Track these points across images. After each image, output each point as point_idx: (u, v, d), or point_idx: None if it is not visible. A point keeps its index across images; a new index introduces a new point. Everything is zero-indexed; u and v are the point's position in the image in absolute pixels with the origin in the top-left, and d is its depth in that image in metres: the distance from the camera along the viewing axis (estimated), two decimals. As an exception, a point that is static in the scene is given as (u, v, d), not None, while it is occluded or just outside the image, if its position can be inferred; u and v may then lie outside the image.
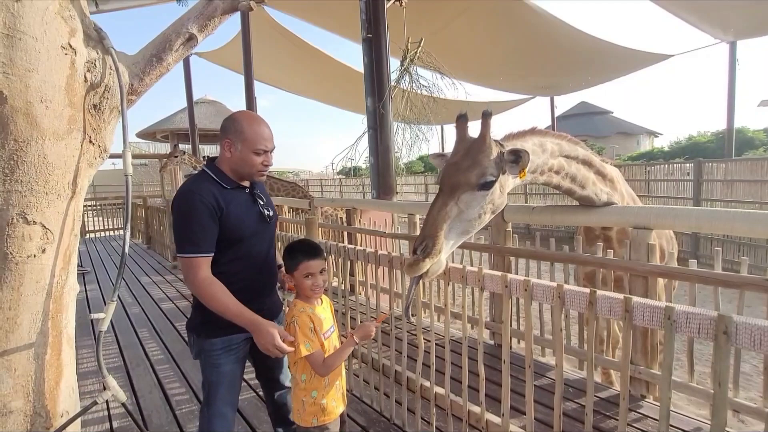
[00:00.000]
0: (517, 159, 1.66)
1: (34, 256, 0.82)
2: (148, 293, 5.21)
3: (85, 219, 11.23)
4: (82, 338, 3.77)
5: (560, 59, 9.70)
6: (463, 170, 1.62)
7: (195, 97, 12.55)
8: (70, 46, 0.87)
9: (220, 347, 1.50)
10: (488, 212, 1.68)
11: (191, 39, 1.03)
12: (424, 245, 1.49)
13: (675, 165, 9.90)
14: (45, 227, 0.83)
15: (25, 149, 0.80)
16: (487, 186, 1.62)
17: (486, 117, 1.64)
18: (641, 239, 2.19)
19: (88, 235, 10.91)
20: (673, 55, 9.55)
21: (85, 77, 0.91)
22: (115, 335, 3.81)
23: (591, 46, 8.94)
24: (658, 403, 2.26)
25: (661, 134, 31.69)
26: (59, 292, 0.87)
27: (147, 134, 17.00)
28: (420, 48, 5.07)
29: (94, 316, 0.88)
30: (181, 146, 16.68)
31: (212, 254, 1.42)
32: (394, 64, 5.13)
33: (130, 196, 1.01)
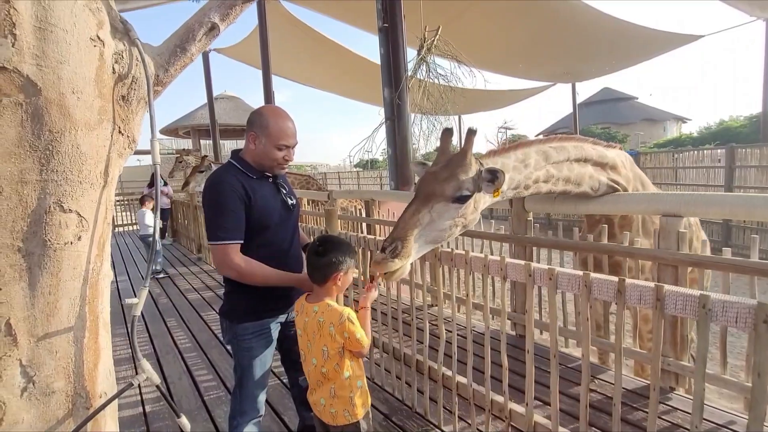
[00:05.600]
0: (493, 179, 1.68)
1: (71, 243, 0.85)
2: (175, 284, 5.38)
3: (114, 213, 11.63)
4: (116, 327, 3.92)
5: (582, 44, 9.37)
6: (441, 181, 1.65)
7: (215, 93, 12.75)
8: (99, 38, 0.89)
9: (252, 332, 1.56)
10: (459, 226, 1.71)
11: (214, 28, 1.04)
12: (393, 246, 1.51)
13: (705, 151, 9.48)
14: (80, 215, 0.86)
15: (59, 140, 0.83)
16: (462, 200, 1.65)
17: (470, 134, 1.65)
18: (671, 227, 2.11)
19: (116, 229, 11.29)
20: (703, 36, 9.10)
21: (113, 68, 0.93)
22: (146, 324, 3.96)
23: (615, 29, 8.61)
24: (687, 396, 2.19)
25: (689, 120, 30.41)
26: (95, 278, 0.90)
27: (170, 131, 17.40)
28: (437, 36, 4.99)
29: (128, 301, 0.91)
30: (202, 142, 16.95)
31: (242, 242, 1.47)
32: (411, 54, 5.07)
33: (159, 184, 1.03)
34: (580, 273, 1.44)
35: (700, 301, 1.15)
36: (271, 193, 1.58)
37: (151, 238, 6.00)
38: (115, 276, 6.05)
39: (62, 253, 0.83)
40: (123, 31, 0.95)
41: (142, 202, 6.04)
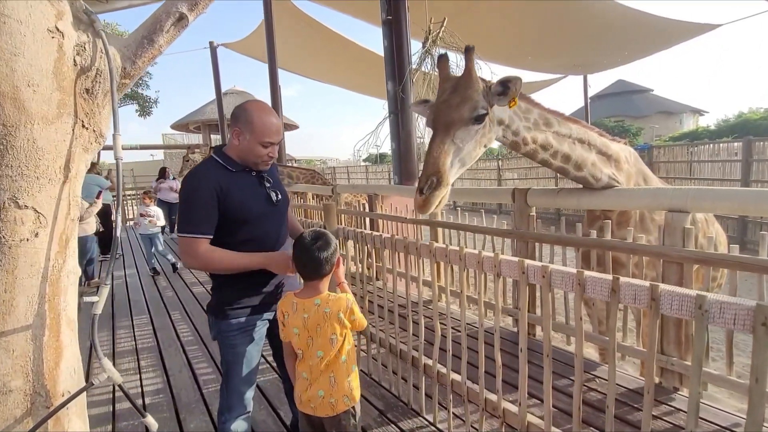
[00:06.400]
0: (504, 90, 1.69)
1: (27, 240, 0.83)
2: (181, 277, 5.43)
3: (126, 208, 11.85)
4: (120, 319, 4.00)
5: (594, 34, 9.12)
6: (455, 107, 1.66)
7: (223, 89, 12.79)
8: (57, 30, 0.86)
9: (237, 328, 1.54)
10: (482, 145, 1.76)
11: (182, 19, 1.01)
12: (429, 182, 1.58)
13: (721, 144, 9.18)
14: (37, 211, 0.84)
15: (14, 134, 0.81)
16: (480, 119, 1.67)
17: (468, 52, 1.66)
18: (676, 223, 2.03)
19: (127, 222, 11.50)
20: (721, 25, 8.77)
21: (75, 61, 0.90)
22: (150, 317, 4.01)
23: (628, 18, 8.34)
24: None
25: (707, 112, 29.59)
26: (56, 275, 0.88)
27: (180, 126, 17.56)
28: (443, 28, 4.89)
29: (86, 299, 0.90)
30: (211, 137, 17.10)
31: (210, 237, 1.45)
32: (415, 46, 5.00)
33: (122, 178, 1.01)
34: (574, 271, 1.39)
35: (697, 301, 1.09)
36: (251, 187, 1.54)
37: (149, 236, 6.00)
38: (124, 269, 6.16)
39: (18, 249, 0.81)
40: (87, 22, 0.93)
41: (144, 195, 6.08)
